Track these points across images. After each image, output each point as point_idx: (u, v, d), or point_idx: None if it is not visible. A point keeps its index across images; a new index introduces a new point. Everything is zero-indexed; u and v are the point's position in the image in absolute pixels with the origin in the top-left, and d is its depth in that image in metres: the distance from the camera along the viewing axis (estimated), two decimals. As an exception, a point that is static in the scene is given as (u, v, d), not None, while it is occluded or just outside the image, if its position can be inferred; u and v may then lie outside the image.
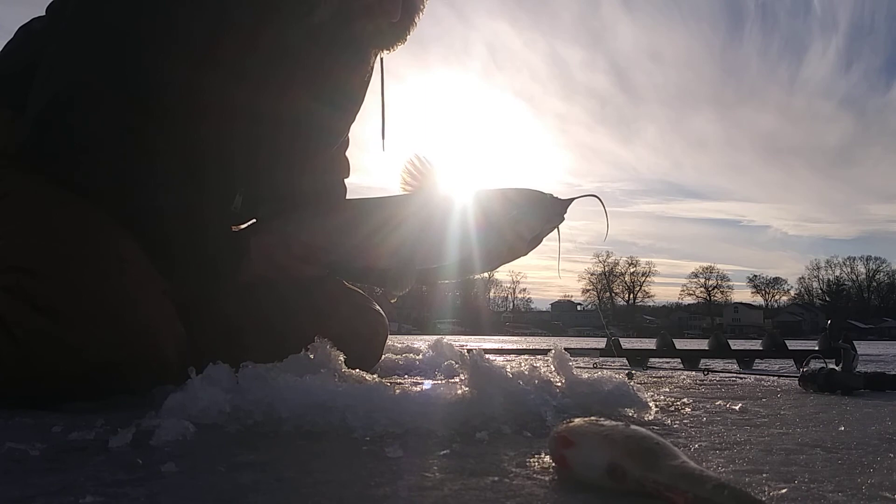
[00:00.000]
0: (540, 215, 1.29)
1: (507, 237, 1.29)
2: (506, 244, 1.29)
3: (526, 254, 1.35)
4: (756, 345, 3.72)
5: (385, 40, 1.32)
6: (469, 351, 1.09)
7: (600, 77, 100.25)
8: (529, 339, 15.47)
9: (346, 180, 1.65)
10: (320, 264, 1.26)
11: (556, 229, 1.32)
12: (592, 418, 0.65)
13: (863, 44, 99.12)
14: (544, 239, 1.34)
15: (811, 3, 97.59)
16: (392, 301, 1.37)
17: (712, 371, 2.24)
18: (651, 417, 1.03)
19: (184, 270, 1.14)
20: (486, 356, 1.05)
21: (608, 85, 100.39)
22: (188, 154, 1.20)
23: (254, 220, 1.52)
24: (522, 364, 1.08)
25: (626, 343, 3.25)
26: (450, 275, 1.33)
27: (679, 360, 2.81)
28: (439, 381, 1.34)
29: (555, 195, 1.31)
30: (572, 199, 1.30)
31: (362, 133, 1.60)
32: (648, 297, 70.99)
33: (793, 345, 3.06)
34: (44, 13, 1.33)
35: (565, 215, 1.31)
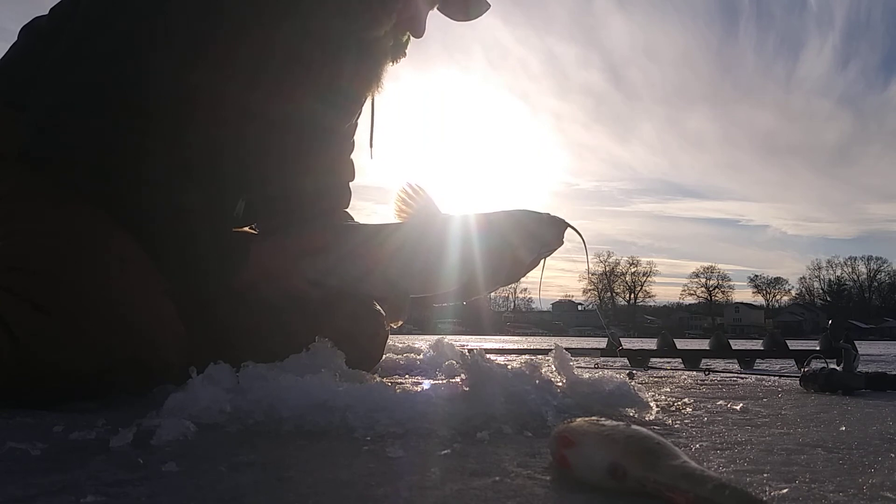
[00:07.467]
0: (539, 238, 1.29)
1: (506, 261, 1.28)
2: (505, 268, 1.29)
3: (524, 275, 1.35)
4: (757, 345, 3.71)
5: (394, 54, 1.34)
6: (470, 351, 1.09)
7: (595, 75, 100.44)
8: (530, 338, 15.46)
9: (350, 183, 1.64)
10: (318, 289, 1.26)
11: (552, 253, 1.32)
12: (593, 418, 0.65)
13: (860, 41, 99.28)
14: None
15: (807, 0, 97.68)
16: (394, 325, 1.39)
17: (713, 371, 2.24)
18: (652, 417, 1.03)
19: (174, 273, 1.14)
20: (487, 356, 1.05)
21: (604, 83, 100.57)
22: (184, 156, 1.20)
23: (254, 226, 1.51)
24: (523, 364, 1.08)
25: (627, 343, 3.24)
26: (450, 299, 1.33)
27: (680, 359, 2.80)
28: (440, 381, 1.34)
29: (551, 214, 1.30)
30: (568, 225, 1.30)
31: (358, 133, 1.60)
32: (649, 296, 71.08)
33: (794, 345, 3.05)
34: (42, 13, 1.33)
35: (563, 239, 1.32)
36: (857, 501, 0.56)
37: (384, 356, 1.65)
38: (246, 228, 1.49)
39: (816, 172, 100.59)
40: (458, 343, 2.18)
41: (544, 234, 1.29)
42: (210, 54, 1.15)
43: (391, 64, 1.37)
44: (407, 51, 1.37)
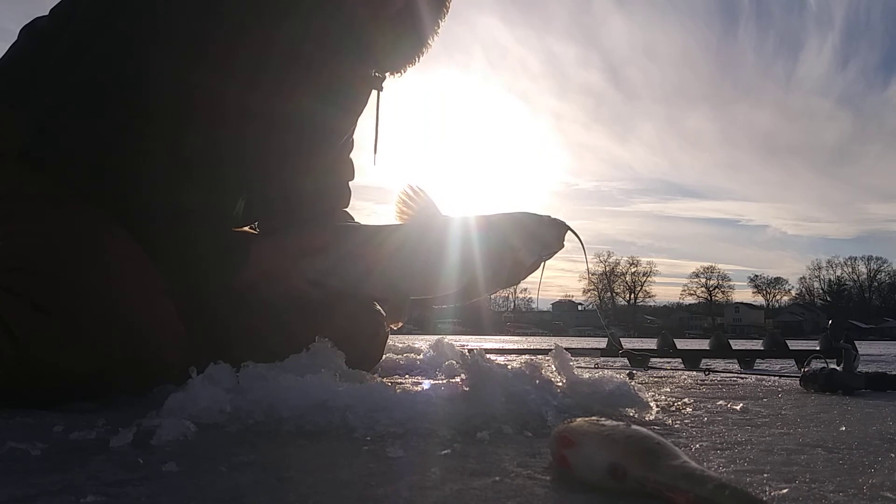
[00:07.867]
0: (540, 240, 1.29)
1: (507, 263, 1.28)
2: (506, 270, 1.29)
3: (525, 277, 1.35)
4: (757, 345, 3.71)
5: (395, 61, 1.33)
6: (470, 351, 1.09)
7: (595, 75, 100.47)
8: (530, 338, 15.45)
9: (350, 182, 1.64)
10: (318, 289, 1.25)
11: (552, 255, 1.32)
12: (593, 418, 0.65)
13: (859, 41, 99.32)
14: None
15: (806, 0, 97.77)
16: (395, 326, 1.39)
17: (713, 371, 2.24)
18: (652, 417, 1.03)
19: (174, 273, 1.14)
20: (487, 356, 1.05)
21: (603, 83, 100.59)
22: (184, 156, 1.20)
23: (254, 226, 1.51)
24: (523, 364, 1.08)
25: (627, 343, 3.24)
26: (450, 301, 1.33)
27: (680, 360, 2.80)
28: (440, 381, 1.34)
29: (552, 216, 1.30)
30: (568, 228, 1.31)
31: (359, 133, 1.60)
32: (649, 296, 71.08)
33: (794, 345, 3.06)
34: (42, 13, 1.33)
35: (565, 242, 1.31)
36: (857, 501, 0.56)
37: (384, 356, 1.65)
38: (246, 228, 1.49)
39: (816, 172, 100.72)
40: (458, 343, 2.18)
41: (545, 235, 1.29)
42: (210, 54, 1.15)
43: (399, 74, 1.36)
44: (409, 67, 1.35)
